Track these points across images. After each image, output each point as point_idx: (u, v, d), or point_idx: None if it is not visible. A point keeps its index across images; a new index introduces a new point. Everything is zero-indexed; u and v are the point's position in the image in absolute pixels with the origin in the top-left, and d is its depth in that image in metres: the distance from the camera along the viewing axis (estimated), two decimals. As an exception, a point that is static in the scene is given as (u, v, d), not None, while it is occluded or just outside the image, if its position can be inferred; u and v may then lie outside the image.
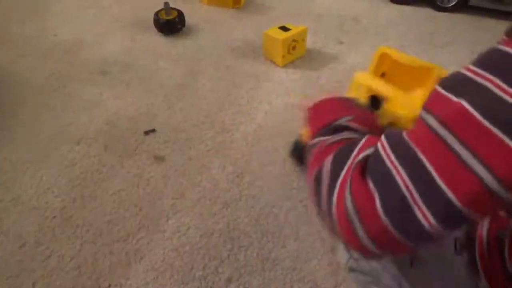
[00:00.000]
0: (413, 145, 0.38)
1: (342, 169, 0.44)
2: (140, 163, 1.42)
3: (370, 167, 0.41)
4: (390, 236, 0.38)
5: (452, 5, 2.49)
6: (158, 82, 1.82)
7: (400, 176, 0.37)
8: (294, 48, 1.94)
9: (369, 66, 1.69)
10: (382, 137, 0.43)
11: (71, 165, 1.40)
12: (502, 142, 0.33)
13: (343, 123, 0.55)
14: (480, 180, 0.34)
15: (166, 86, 1.80)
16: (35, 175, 1.37)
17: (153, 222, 1.23)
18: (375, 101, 1.30)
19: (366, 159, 0.42)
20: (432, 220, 0.36)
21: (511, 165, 0.33)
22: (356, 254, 0.72)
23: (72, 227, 1.20)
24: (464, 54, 2.13)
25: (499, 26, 2.41)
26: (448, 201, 0.35)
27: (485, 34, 2.33)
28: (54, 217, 1.23)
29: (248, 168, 1.43)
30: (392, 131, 0.43)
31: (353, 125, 0.54)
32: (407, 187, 0.37)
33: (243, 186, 1.36)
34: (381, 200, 0.38)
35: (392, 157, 0.39)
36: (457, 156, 0.35)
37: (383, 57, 1.64)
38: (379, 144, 0.42)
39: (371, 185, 0.39)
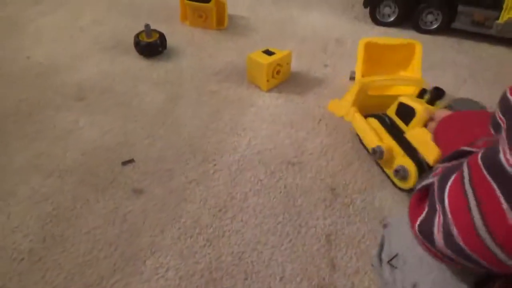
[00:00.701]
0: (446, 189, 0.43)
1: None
2: (117, 197, 1.37)
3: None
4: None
5: (435, 28, 2.55)
6: (138, 108, 1.78)
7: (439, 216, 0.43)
8: (278, 72, 1.94)
9: (357, 59, 1.81)
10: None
11: (42, 200, 1.34)
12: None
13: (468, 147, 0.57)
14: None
15: (146, 112, 1.77)
16: (1, 212, 1.30)
17: (129, 263, 1.17)
18: (439, 91, 1.38)
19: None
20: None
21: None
22: (385, 257, 0.77)
23: (42, 271, 1.13)
24: (447, 78, 2.17)
25: (480, 49, 2.48)
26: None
27: (466, 56, 2.39)
28: (22, 259, 1.16)
29: (231, 201, 1.40)
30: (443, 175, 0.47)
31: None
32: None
33: (226, 221, 1.33)
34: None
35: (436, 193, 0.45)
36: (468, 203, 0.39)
37: (367, 46, 1.78)
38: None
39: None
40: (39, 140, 1.58)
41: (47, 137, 1.60)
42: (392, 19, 2.62)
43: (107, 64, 2.06)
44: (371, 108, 1.60)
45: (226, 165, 1.54)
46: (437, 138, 0.71)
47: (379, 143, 1.44)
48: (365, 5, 2.65)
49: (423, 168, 1.29)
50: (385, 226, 0.90)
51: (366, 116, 1.59)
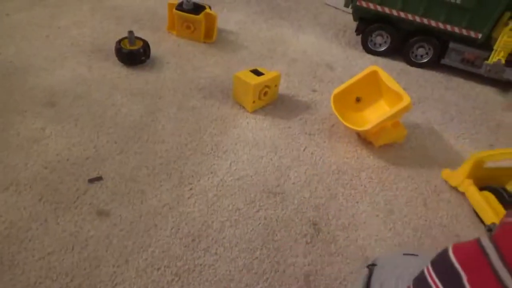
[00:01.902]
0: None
1: None
2: (80, 219, 1.26)
3: None
4: None
5: (425, 62, 2.59)
6: (113, 120, 1.69)
7: None
8: (265, 94, 1.90)
9: (354, 77, 1.90)
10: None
11: (-7, 217, 1.22)
12: None
13: None
14: None
15: (121, 125, 1.67)
16: None
17: (86, 297, 1.07)
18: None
19: None
20: None
21: None
22: None
23: (-18, 301, 1.02)
24: (434, 113, 2.18)
25: (468, 87, 2.53)
26: None
27: (454, 93, 2.43)
28: (-39, 286, 1.04)
29: (206, 230, 1.32)
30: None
31: None
32: None
33: (198, 253, 1.24)
34: None
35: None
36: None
37: (372, 74, 1.72)
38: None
39: None
40: (-2, 147, 1.46)
41: (8, 145, 1.47)
42: (383, 48, 2.64)
43: (84, 69, 1.96)
44: (488, 181, 1.59)
45: (203, 190, 1.46)
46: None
47: (494, 221, 1.43)
48: (358, 32, 2.67)
49: None
50: (372, 265, 0.83)
51: (481, 189, 1.57)
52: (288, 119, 1.91)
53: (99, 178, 1.40)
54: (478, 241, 0.39)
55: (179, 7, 2.30)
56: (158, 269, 1.17)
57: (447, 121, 2.15)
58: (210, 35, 2.42)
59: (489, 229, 1.43)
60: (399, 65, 2.62)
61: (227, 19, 2.68)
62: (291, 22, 2.86)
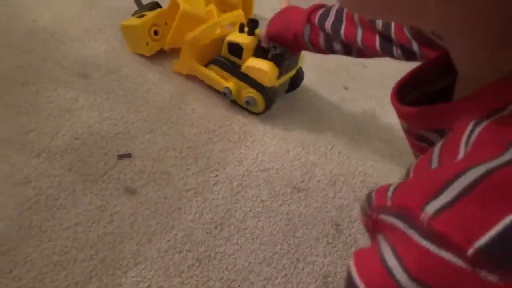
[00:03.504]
0: None
1: None
2: (107, 194, 1.29)
3: None
4: None
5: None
6: (143, 98, 1.70)
7: None
8: (156, 33, 1.84)
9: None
10: None
11: (24, 182, 1.25)
12: None
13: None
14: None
15: (152, 104, 1.69)
16: (-23, 187, 1.21)
17: (108, 272, 1.10)
18: (254, 22, 1.61)
19: None
20: None
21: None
22: None
23: (10, 264, 1.05)
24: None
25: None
26: None
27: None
28: (-10, 246, 1.08)
29: (229, 219, 1.33)
30: None
31: None
32: None
33: (220, 240, 1.26)
34: None
35: None
36: None
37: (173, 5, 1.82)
38: None
39: None
40: (30, 114, 1.49)
41: (40, 112, 1.50)
42: (420, 51, 2.58)
43: (117, 43, 1.97)
44: (214, 52, 1.76)
45: (228, 178, 1.47)
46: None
47: (225, 85, 1.69)
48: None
49: (264, 91, 1.62)
50: None
51: (207, 65, 1.75)
52: (318, 115, 1.90)
53: (128, 155, 1.42)
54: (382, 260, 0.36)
55: (217, -12, 2.28)
56: (180, 252, 1.19)
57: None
58: (249, 12, 2.41)
59: (225, 93, 1.71)
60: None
61: (261, 3, 2.65)
62: (328, 15, 2.81)
